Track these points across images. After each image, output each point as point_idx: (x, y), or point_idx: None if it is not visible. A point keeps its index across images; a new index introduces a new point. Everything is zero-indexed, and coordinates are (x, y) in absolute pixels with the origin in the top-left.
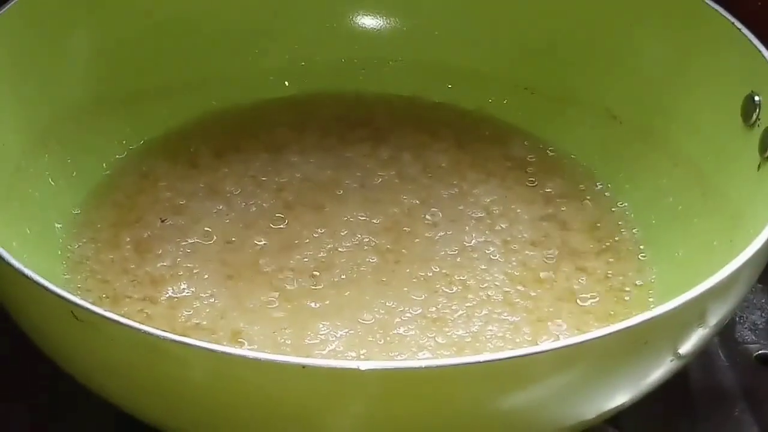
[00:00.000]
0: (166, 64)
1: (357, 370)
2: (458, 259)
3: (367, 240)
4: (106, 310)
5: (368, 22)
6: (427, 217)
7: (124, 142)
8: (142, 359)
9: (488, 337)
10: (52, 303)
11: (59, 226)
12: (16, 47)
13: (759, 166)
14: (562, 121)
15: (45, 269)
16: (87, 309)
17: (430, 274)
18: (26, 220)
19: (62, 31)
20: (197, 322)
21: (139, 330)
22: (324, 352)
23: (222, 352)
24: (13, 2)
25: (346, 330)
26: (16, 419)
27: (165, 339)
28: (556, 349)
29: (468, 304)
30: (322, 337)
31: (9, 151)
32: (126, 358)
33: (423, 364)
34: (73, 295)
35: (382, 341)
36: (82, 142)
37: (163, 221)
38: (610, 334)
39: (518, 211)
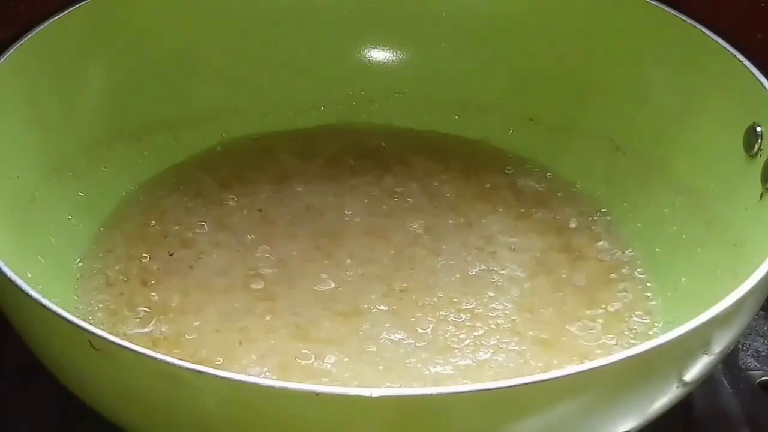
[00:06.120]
0: (177, 98)
1: (369, 398)
2: (465, 288)
3: (372, 268)
4: (122, 339)
5: (376, 55)
6: (433, 245)
7: (134, 174)
8: (158, 387)
9: (493, 365)
10: (69, 332)
11: (72, 257)
12: (29, 82)
13: (761, 196)
14: (567, 152)
15: (58, 300)
16: (104, 338)
17: (437, 302)
18: (41, 251)
19: (75, 67)
20: (206, 353)
21: (155, 359)
22: (332, 381)
23: (236, 380)
24: (26, 38)
25: (354, 359)
26: None
27: (181, 367)
28: (563, 376)
29: (476, 333)
30: (329, 366)
31: (24, 183)
32: (142, 386)
33: (434, 391)
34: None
35: (388, 369)
36: (94, 175)
37: (171, 255)
38: (616, 362)
39: (524, 240)
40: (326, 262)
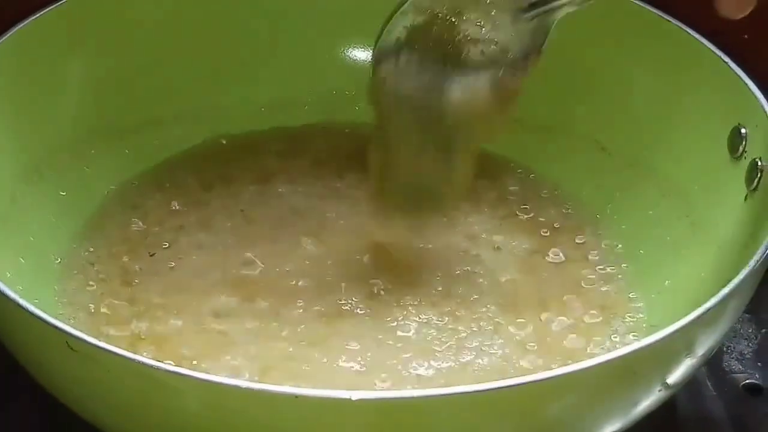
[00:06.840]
0: (159, 96)
1: (349, 401)
2: (448, 289)
3: (354, 269)
4: (100, 341)
5: (361, 54)
6: (416, 246)
7: (116, 173)
8: (137, 390)
9: (476, 368)
10: (47, 333)
11: (53, 257)
12: (10, 80)
13: (746, 198)
14: (552, 153)
15: (39, 300)
16: (82, 340)
17: (419, 303)
18: (21, 251)
19: (56, 65)
20: (187, 354)
21: (134, 360)
22: (313, 383)
23: (216, 382)
24: (6, 36)
25: (335, 360)
26: None
27: (160, 369)
28: (545, 379)
29: (459, 335)
30: (310, 367)
31: (4, 182)
32: (121, 388)
33: (414, 394)
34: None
35: (369, 371)
36: (76, 174)
37: (151, 255)
38: (599, 364)
39: (508, 241)
40: (308, 263)
